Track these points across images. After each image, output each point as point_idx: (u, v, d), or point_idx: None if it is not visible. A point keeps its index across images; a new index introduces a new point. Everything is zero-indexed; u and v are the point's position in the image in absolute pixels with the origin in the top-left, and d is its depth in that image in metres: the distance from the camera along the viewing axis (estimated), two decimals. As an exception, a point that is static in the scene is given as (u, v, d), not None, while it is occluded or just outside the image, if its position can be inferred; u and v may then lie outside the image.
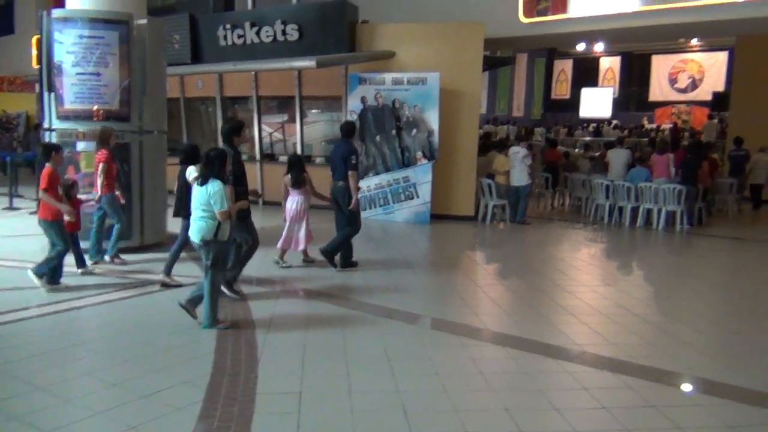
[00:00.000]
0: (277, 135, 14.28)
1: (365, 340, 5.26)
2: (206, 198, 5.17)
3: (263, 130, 13.67)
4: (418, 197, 11.67)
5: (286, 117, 13.72)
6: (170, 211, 7.46)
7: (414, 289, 7.02)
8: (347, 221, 7.62)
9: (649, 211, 11.62)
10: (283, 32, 12.16)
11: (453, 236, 10.73)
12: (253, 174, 13.55)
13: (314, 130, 13.58)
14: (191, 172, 6.50)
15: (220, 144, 6.50)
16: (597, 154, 15.52)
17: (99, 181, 7.38)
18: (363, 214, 9.01)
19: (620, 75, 35.72)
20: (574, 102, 36.47)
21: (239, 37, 12.66)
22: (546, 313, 6.22)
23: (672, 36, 15.71)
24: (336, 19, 11.95)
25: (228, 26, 12.80)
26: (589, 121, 31.89)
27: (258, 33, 12.41)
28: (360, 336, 5.35)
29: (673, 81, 33.62)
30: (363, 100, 11.99)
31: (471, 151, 12.02)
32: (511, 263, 8.94)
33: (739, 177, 13.65)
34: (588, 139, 23.29)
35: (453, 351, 5.07)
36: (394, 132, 11.83)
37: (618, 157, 12.44)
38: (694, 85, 32.50)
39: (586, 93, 35.95)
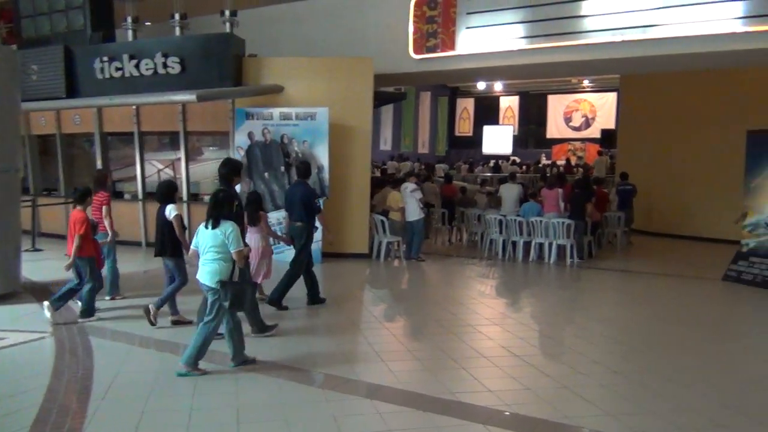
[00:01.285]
0: (168, 172, 13.46)
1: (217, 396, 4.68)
2: (221, 239, 5.12)
3: (153, 167, 12.82)
4: (308, 236, 11.18)
5: (180, 154, 12.90)
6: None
7: (290, 333, 6.50)
8: (293, 262, 7.49)
9: (540, 246, 11.65)
10: (164, 65, 11.51)
11: (342, 275, 10.29)
12: (135, 214, 12.72)
13: (205, 166, 12.85)
14: (171, 210, 6.52)
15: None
16: (493, 189, 15.64)
17: (107, 222, 7.54)
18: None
19: (519, 113, 36.97)
20: (477, 139, 37.41)
21: (117, 69, 11.90)
22: (424, 358, 5.85)
23: (558, 74, 16.18)
24: (220, 52, 11.46)
25: (105, 59, 12.01)
26: (491, 157, 32.65)
27: (137, 66, 11.69)
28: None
29: (567, 119, 35.08)
30: (250, 135, 11.49)
31: (363, 187, 11.72)
32: (399, 303, 8.60)
33: (626, 210, 14.01)
34: (488, 174, 23.67)
35: (317, 406, 4.58)
36: (282, 168, 11.37)
37: (510, 192, 12.49)
38: (587, 123, 34.00)
39: (487, 130, 36.97)
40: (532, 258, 11.63)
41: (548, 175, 14.44)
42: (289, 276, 7.63)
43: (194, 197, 12.55)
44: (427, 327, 7.02)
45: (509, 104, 37.17)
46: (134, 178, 12.87)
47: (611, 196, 14.46)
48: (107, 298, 7.79)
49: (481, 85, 34.70)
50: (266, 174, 11.45)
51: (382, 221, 11.48)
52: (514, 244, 11.93)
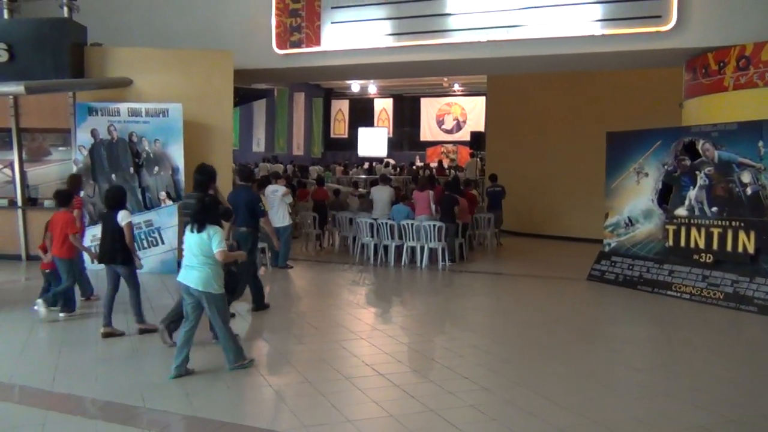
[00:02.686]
0: (6, 173, 11.77)
1: None
2: (207, 244, 5.14)
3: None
4: (163, 243, 10.19)
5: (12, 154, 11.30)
6: None
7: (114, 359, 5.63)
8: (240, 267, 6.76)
9: (412, 249, 11.34)
10: (-11, 52, 10.06)
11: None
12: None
13: (47, 168, 11.36)
14: (124, 217, 6.36)
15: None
16: (365, 191, 15.23)
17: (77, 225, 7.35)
18: (100, 265, 7.68)
19: (393, 116, 37.12)
20: (352, 141, 37.18)
21: (-70, 56, 10.27)
22: (277, 384, 5.20)
23: (425, 73, 16.06)
24: (56, 40, 10.17)
25: None
26: (367, 159, 32.47)
27: (-43, 52, 10.15)
28: None
29: (440, 122, 35.65)
30: (94, 133, 10.30)
31: (225, 190, 10.79)
32: (256, 318, 7.86)
33: (496, 212, 14.07)
34: (362, 176, 23.34)
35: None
36: (132, 170, 10.28)
37: (381, 195, 12.07)
38: (458, 126, 34.71)
39: (362, 132, 36.84)
40: (404, 262, 11.30)
41: (419, 177, 14.18)
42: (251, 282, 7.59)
43: (32, 202, 11.11)
44: (286, 346, 6.37)
45: (384, 106, 37.24)
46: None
47: (483, 198, 14.51)
48: (82, 298, 7.94)
49: (355, 87, 34.50)
50: (113, 176, 10.30)
51: (246, 227, 10.67)
52: (386, 248, 11.55)
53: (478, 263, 11.97)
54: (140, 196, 10.29)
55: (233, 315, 6.88)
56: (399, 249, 11.47)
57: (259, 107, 30.52)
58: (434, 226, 11.03)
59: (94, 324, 6.85)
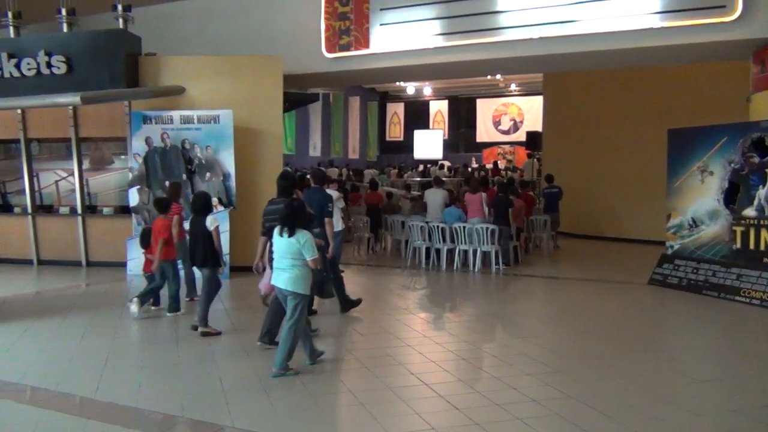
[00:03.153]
0: (71, 181, 12.10)
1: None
2: (297, 248, 5.31)
3: (56, 175, 11.56)
4: (215, 249, 10.26)
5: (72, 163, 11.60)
6: None
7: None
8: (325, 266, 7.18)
9: (465, 253, 11.11)
10: (48, 65, 10.38)
11: (245, 292, 9.38)
12: (24, 229, 11.47)
13: (106, 177, 11.64)
14: (212, 222, 6.69)
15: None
16: (418, 194, 15.05)
17: (175, 231, 7.68)
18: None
19: (449, 118, 36.82)
20: (408, 144, 37.05)
21: (-5, 70, 10.69)
22: (318, 393, 5.09)
23: (476, 73, 15.77)
24: (112, 51, 10.41)
25: (-20, 58, 10.78)
26: (422, 162, 32.27)
27: (18, 66, 10.52)
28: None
29: (496, 123, 35.12)
30: (148, 141, 10.51)
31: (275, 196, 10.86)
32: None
33: (553, 213, 13.67)
34: (417, 179, 23.13)
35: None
36: (184, 176, 10.43)
37: (434, 198, 11.85)
38: (515, 126, 34.11)
39: (418, 135, 36.66)
40: (456, 266, 11.08)
41: (472, 178, 13.90)
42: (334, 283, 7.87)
43: (91, 210, 11.42)
44: (330, 353, 6.25)
45: (439, 108, 36.98)
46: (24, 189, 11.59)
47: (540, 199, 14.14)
48: (186, 298, 8.30)
49: (410, 90, 34.39)
50: (167, 183, 10.44)
51: (296, 231, 10.66)
52: (438, 251, 11.35)
53: (533, 267, 11.62)
54: (193, 202, 10.41)
55: (315, 311, 7.08)
56: (451, 252, 11.25)
57: (315, 112, 30.78)
58: (487, 228, 10.77)
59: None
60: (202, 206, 6.84)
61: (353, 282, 10.32)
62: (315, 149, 31.31)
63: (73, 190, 11.48)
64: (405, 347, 6.42)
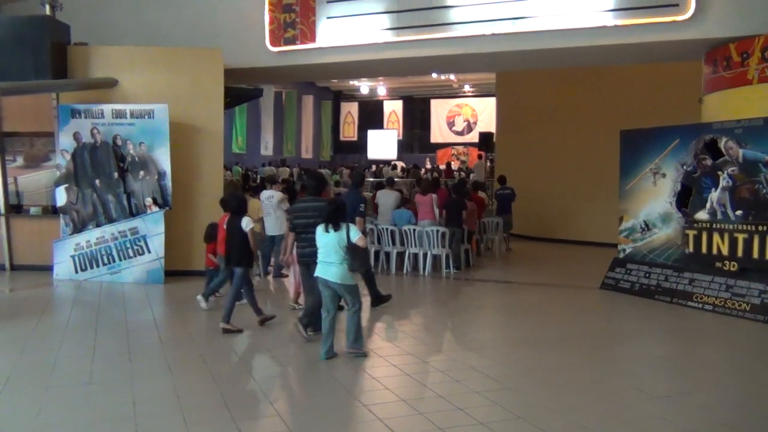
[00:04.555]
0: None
1: None
2: (345, 240, 5.69)
3: None
4: (149, 252, 9.64)
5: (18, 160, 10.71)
6: None
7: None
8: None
9: (415, 256, 10.72)
10: (-35, 52, 9.58)
11: (184, 298, 8.74)
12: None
13: (38, 174, 10.80)
14: (248, 223, 6.91)
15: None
16: (370, 194, 14.60)
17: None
18: (83, 275, 9.65)
19: (403, 118, 36.59)
20: (362, 144, 36.70)
21: None
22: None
23: (426, 70, 15.45)
24: (37, 39, 9.63)
25: None
26: (376, 162, 31.90)
27: (-70, 53, 9.67)
28: None
29: (450, 124, 35.04)
30: (77, 136, 9.79)
31: (215, 196, 10.22)
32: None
33: (505, 215, 13.42)
34: (370, 179, 22.69)
35: None
36: (116, 175, 9.75)
37: (386, 199, 11.37)
38: (469, 127, 34.07)
39: (372, 135, 36.35)
40: (406, 270, 10.67)
41: (422, 179, 13.52)
42: (365, 278, 8.00)
43: (16, 209, 10.61)
44: (237, 372, 5.75)
45: (393, 108, 36.73)
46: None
47: (486, 201, 13.87)
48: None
49: (364, 89, 34.00)
50: (97, 181, 9.78)
51: (237, 234, 10.10)
52: (387, 255, 10.93)
53: (485, 270, 11.32)
54: (125, 202, 9.75)
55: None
56: (401, 256, 10.84)
57: (267, 110, 30.07)
58: (437, 231, 10.40)
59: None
60: (237, 207, 7.04)
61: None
62: (267, 148, 30.60)
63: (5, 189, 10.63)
64: (344, 361, 5.95)
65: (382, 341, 6.90)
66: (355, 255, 5.74)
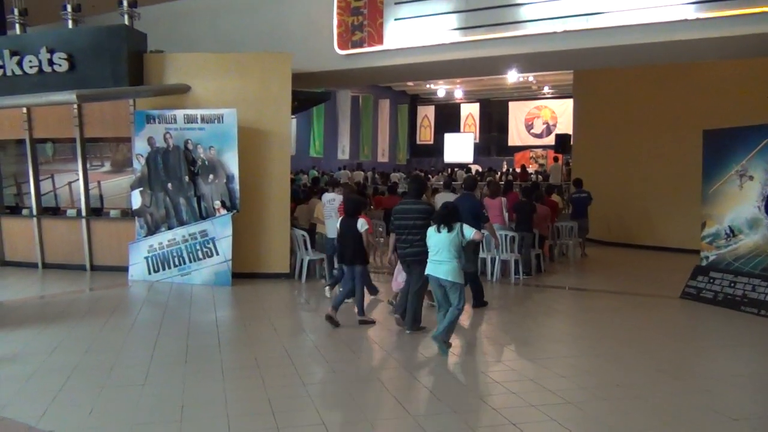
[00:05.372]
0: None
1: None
2: (457, 240, 6.08)
3: (73, 178, 11.15)
4: (217, 254, 9.81)
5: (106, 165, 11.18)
6: None
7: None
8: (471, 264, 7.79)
9: (483, 261, 10.42)
10: (50, 62, 10.06)
11: (248, 301, 8.85)
12: (30, 232, 11.16)
13: (122, 178, 11.14)
14: (363, 224, 7.24)
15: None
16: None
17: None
18: (156, 276, 9.98)
19: (480, 121, 36.11)
20: (438, 147, 36.48)
21: (-2, 67, 10.41)
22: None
23: (497, 70, 15.01)
24: (115, 48, 10.01)
25: (-17, 56, 10.50)
26: (453, 165, 31.61)
27: (20, 63, 10.22)
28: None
29: (529, 126, 34.27)
30: (150, 141, 10.11)
31: (283, 199, 10.39)
32: (295, 340, 7.24)
33: (581, 220, 12.90)
34: (441, 183, 22.46)
35: None
36: (187, 178, 9.99)
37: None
38: (548, 130, 33.21)
39: (449, 138, 36.07)
40: (475, 275, 10.38)
41: (490, 182, 13.16)
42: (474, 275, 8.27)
43: (96, 212, 11.05)
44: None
45: (470, 111, 36.31)
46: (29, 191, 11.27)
47: (561, 205, 13.39)
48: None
49: (441, 93, 33.76)
50: (169, 185, 10.06)
51: (303, 236, 10.14)
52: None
53: (557, 276, 10.89)
54: (195, 205, 9.97)
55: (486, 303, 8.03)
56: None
57: (344, 114, 30.39)
58: (506, 235, 10.08)
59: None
60: (354, 209, 7.37)
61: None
62: (344, 152, 30.92)
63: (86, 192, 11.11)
64: (398, 368, 5.79)
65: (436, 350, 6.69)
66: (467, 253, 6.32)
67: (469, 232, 6.10)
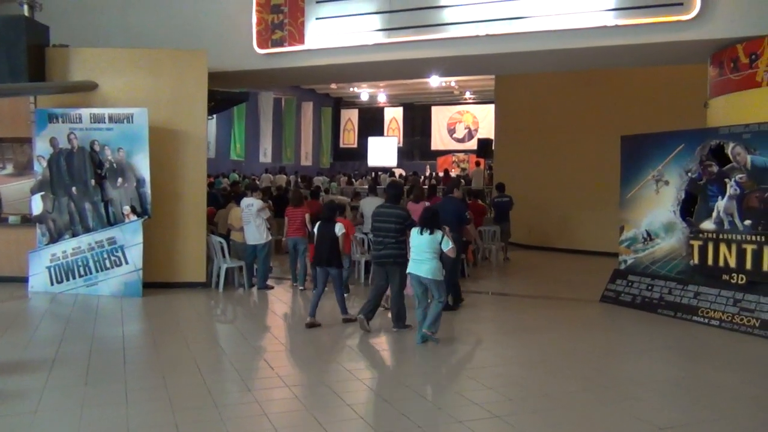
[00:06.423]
0: None
1: None
2: (436, 243, 6.54)
3: None
4: (127, 263, 9.19)
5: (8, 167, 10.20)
6: None
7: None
8: (451, 267, 7.90)
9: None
10: (-63, 54, 9.18)
11: (160, 313, 8.32)
12: None
13: (25, 182, 10.25)
14: (340, 228, 7.60)
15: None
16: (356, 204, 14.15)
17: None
18: (59, 287, 9.36)
19: (403, 125, 36.20)
20: (362, 151, 36.33)
21: None
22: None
23: (420, 73, 14.89)
24: (12, 40, 9.19)
25: None
26: (376, 169, 31.46)
27: None
28: None
29: (451, 131, 34.64)
30: (53, 142, 9.38)
31: (199, 204, 9.87)
32: (208, 352, 6.81)
33: (503, 224, 12.97)
34: (366, 187, 22.24)
35: None
36: (93, 182, 9.32)
37: (371, 208, 10.88)
38: (470, 135, 33.65)
39: (372, 142, 35.97)
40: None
41: (413, 187, 13.03)
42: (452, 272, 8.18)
43: (-8, 218, 10.17)
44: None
45: (394, 115, 36.36)
46: None
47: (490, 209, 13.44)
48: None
49: (364, 96, 33.61)
50: (74, 188, 9.35)
51: (221, 243, 9.67)
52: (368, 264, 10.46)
53: (480, 282, 10.85)
54: (103, 211, 9.31)
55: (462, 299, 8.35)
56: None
57: (266, 117, 29.71)
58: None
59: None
60: (331, 213, 7.76)
61: (281, 302, 9.38)
62: (266, 155, 30.23)
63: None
64: (312, 385, 5.49)
65: (361, 359, 6.42)
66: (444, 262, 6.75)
67: (447, 245, 6.53)
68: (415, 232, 6.69)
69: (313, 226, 10.30)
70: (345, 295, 8.00)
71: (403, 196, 8.23)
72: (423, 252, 6.59)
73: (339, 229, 7.60)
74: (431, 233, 6.56)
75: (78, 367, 5.76)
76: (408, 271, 6.74)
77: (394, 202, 7.40)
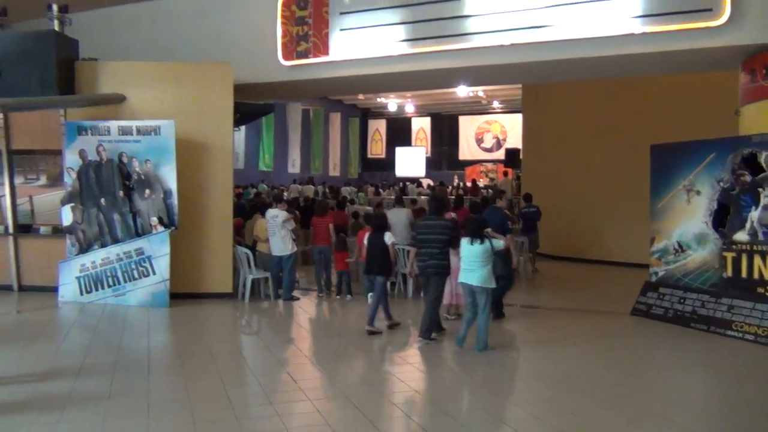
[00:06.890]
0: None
1: None
2: (488, 251, 6.75)
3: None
4: (154, 273, 9.28)
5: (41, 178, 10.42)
6: None
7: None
8: (503, 278, 8.13)
9: (433, 279, 10.13)
10: (-27, 69, 9.41)
11: (186, 323, 8.37)
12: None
13: (57, 193, 10.40)
14: (389, 237, 7.80)
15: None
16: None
17: None
18: (88, 297, 9.48)
19: (431, 135, 36.15)
20: (390, 161, 36.33)
21: None
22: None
23: (444, 83, 14.82)
24: (43, 54, 9.40)
25: None
26: (404, 179, 31.42)
27: (-60, 69, 9.53)
28: None
29: (479, 141, 34.47)
30: (82, 154, 9.54)
31: (225, 215, 9.94)
32: (229, 365, 6.80)
33: (531, 234, 12.80)
34: (391, 197, 22.20)
35: None
36: (121, 193, 9.44)
37: (398, 218, 10.86)
38: (498, 144, 33.46)
39: (400, 152, 35.95)
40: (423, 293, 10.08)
41: (436, 197, 12.95)
42: (502, 288, 8.28)
43: (25, 229, 10.34)
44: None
45: (421, 125, 36.33)
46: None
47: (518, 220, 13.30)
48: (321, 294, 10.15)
49: (392, 106, 33.65)
50: (102, 200, 9.48)
51: (247, 255, 9.71)
52: (404, 276, 10.39)
53: (509, 294, 10.60)
54: (131, 222, 9.42)
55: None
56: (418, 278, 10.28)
57: (294, 128, 29.90)
58: (454, 252, 9.85)
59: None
60: (380, 223, 8.03)
61: (301, 314, 9.36)
62: (294, 166, 30.40)
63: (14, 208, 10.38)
64: (335, 398, 5.43)
65: (391, 367, 6.36)
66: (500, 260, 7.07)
67: (498, 243, 6.90)
68: (465, 242, 6.87)
69: (336, 236, 10.38)
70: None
71: (446, 208, 8.46)
72: (473, 261, 6.77)
73: (389, 238, 7.80)
74: (481, 242, 6.76)
75: (103, 378, 5.80)
76: (459, 281, 6.96)
77: (438, 214, 7.60)
